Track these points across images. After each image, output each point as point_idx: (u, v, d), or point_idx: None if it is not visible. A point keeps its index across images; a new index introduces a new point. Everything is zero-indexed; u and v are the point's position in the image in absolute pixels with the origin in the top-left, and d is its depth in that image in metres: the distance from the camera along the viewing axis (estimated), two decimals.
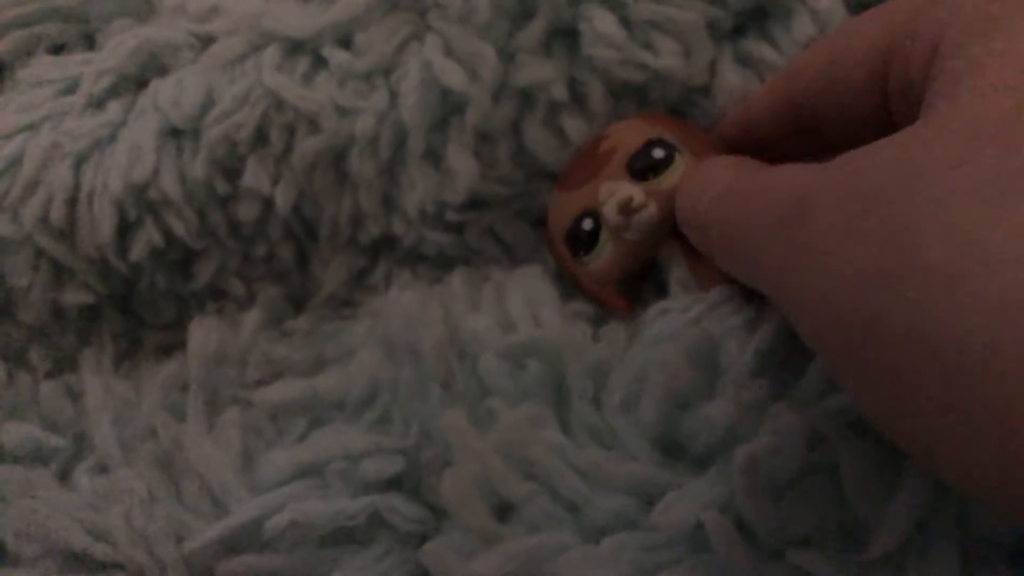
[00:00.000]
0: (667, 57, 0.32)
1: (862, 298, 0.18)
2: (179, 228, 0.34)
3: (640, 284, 0.32)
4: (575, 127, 0.33)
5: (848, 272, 0.19)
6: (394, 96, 0.33)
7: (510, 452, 0.25)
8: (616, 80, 0.32)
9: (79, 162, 0.34)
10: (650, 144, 0.31)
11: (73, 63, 0.37)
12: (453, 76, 0.32)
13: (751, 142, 0.30)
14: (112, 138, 0.35)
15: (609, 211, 0.30)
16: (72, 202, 0.34)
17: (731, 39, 0.33)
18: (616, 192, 0.30)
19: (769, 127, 0.29)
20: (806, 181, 0.22)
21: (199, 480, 0.28)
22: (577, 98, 0.33)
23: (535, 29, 0.32)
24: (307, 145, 0.33)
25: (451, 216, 0.34)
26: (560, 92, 0.32)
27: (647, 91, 0.33)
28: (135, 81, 0.36)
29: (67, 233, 0.34)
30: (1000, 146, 0.18)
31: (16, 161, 0.34)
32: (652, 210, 0.30)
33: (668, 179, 0.30)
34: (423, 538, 0.26)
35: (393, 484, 0.27)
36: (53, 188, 0.34)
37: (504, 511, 0.25)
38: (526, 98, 0.33)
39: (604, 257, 0.31)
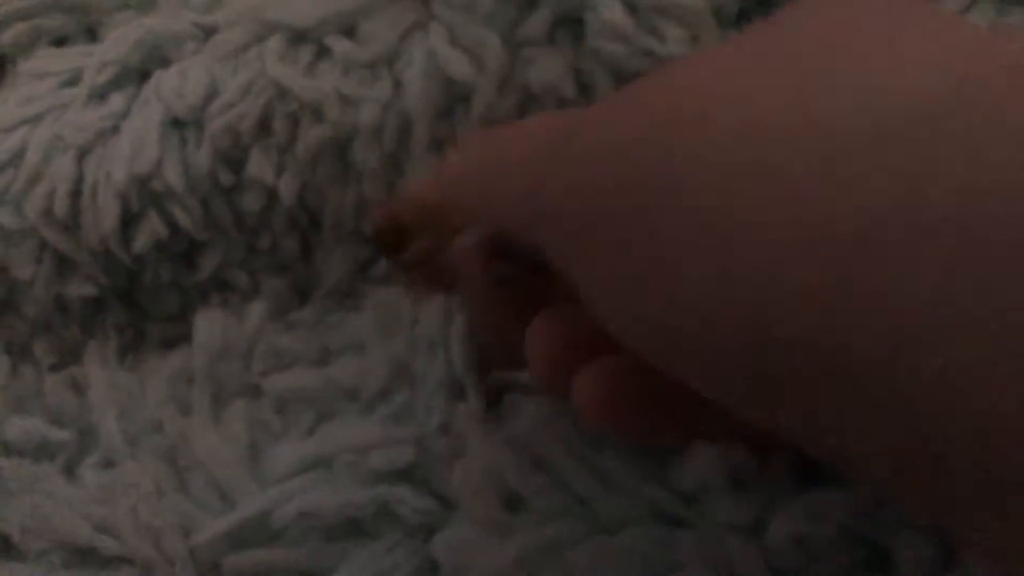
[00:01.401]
0: (673, 44, 0.31)
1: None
2: (183, 219, 0.34)
3: None
4: None
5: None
6: (398, 85, 0.33)
7: (523, 446, 0.25)
8: (623, 69, 0.32)
9: (82, 154, 0.34)
10: None
11: (75, 55, 0.37)
12: (458, 65, 0.32)
13: None
14: (115, 130, 0.34)
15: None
16: (75, 194, 0.34)
17: (737, 25, 0.33)
18: None
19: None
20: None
21: (206, 473, 0.28)
22: (583, 89, 0.32)
23: (540, 17, 0.32)
24: (311, 135, 0.33)
25: None
26: (569, 89, 0.32)
27: None
28: (138, 72, 0.36)
29: (70, 225, 0.34)
30: None
31: (19, 153, 0.34)
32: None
33: None
34: (432, 530, 0.26)
35: (403, 476, 0.27)
36: (56, 180, 0.34)
37: (513, 503, 0.25)
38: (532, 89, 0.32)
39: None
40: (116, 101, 0.35)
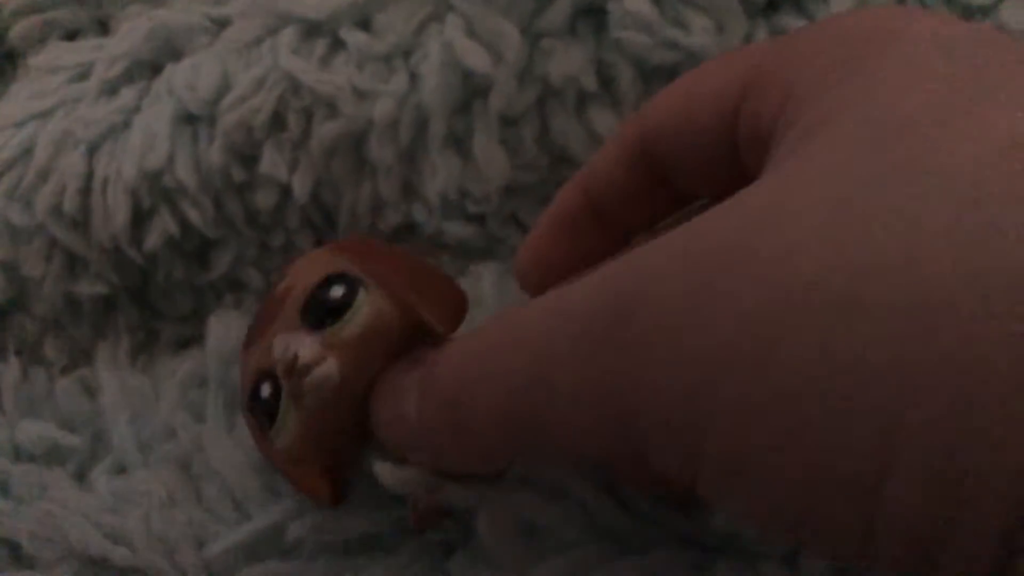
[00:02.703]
0: (699, 34, 0.30)
1: (715, 385, 0.16)
2: (195, 216, 0.33)
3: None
4: (603, 117, 0.31)
5: (701, 358, 0.16)
6: (414, 79, 0.32)
7: (538, 476, 0.24)
8: (646, 62, 0.31)
9: (92, 149, 0.33)
10: (328, 281, 0.24)
11: (86, 49, 0.36)
12: (476, 57, 0.31)
13: (591, 206, 0.26)
14: (126, 125, 0.34)
15: (280, 373, 0.24)
16: (85, 190, 0.33)
17: (765, 14, 0.32)
18: (287, 348, 0.24)
19: (616, 177, 0.25)
20: (614, 278, 0.18)
21: (220, 483, 0.27)
22: (605, 82, 0.31)
23: (560, 7, 0.31)
24: (325, 130, 0.32)
25: (473, 206, 0.33)
26: (590, 83, 0.31)
27: (678, 72, 0.31)
28: (149, 66, 0.35)
29: (80, 222, 0.33)
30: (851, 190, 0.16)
31: (28, 149, 0.34)
32: (330, 367, 0.23)
33: (351, 324, 0.23)
34: (450, 546, 0.25)
35: None
36: (66, 176, 0.33)
37: (531, 533, 0.24)
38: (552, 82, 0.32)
39: (289, 430, 0.24)
40: (127, 95, 0.34)
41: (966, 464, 0.14)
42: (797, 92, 0.19)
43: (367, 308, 0.24)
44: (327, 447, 0.24)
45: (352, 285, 0.24)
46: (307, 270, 0.25)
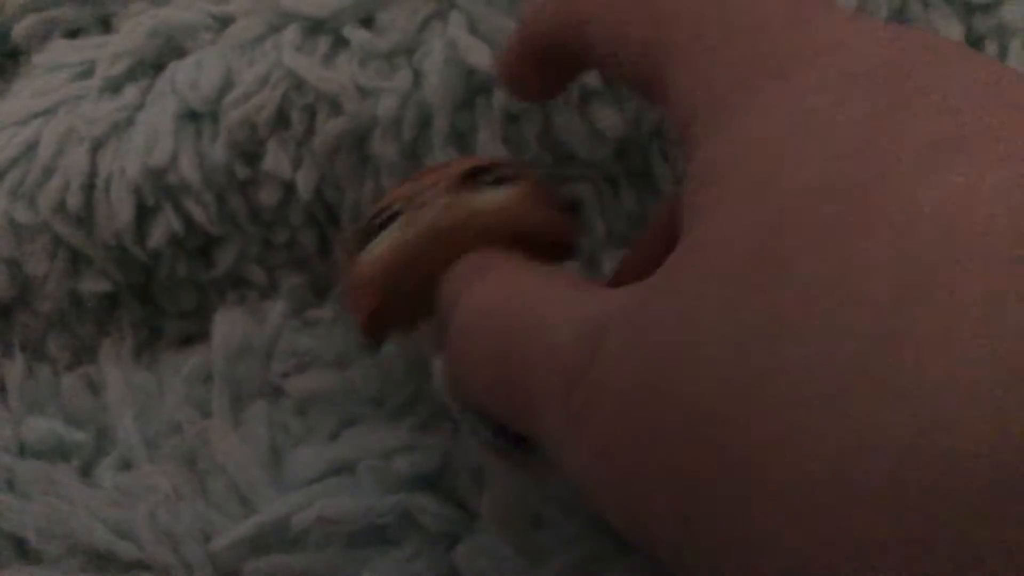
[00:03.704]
0: None
1: (666, 501, 0.16)
2: (198, 214, 0.33)
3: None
4: (606, 113, 0.32)
5: (648, 472, 0.16)
6: (418, 76, 0.32)
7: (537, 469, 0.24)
8: None
9: (96, 147, 0.33)
10: (495, 166, 0.26)
11: (89, 46, 0.36)
12: (479, 54, 0.32)
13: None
14: (129, 122, 0.34)
15: (406, 196, 0.25)
16: (89, 188, 0.33)
17: None
18: (424, 189, 0.25)
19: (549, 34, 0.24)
20: (580, 338, 0.18)
21: (226, 477, 0.27)
22: (607, 79, 0.31)
23: None
24: (329, 127, 0.33)
25: None
26: (592, 79, 0.31)
27: None
28: (152, 64, 0.35)
29: (84, 220, 0.33)
30: (752, 295, 0.15)
31: (32, 147, 0.34)
32: (443, 213, 0.24)
33: (490, 198, 0.25)
34: (455, 538, 0.25)
35: (426, 482, 0.26)
36: (69, 174, 0.33)
37: (539, 522, 0.25)
38: None
39: (379, 249, 0.25)
40: (130, 93, 0.34)
41: None
42: (698, 117, 0.18)
43: (508, 196, 0.25)
44: (397, 285, 0.25)
45: (511, 176, 0.25)
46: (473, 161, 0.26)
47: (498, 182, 0.25)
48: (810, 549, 0.13)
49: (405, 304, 0.25)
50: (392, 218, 0.25)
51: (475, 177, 0.25)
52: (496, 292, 0.22)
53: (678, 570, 0.17)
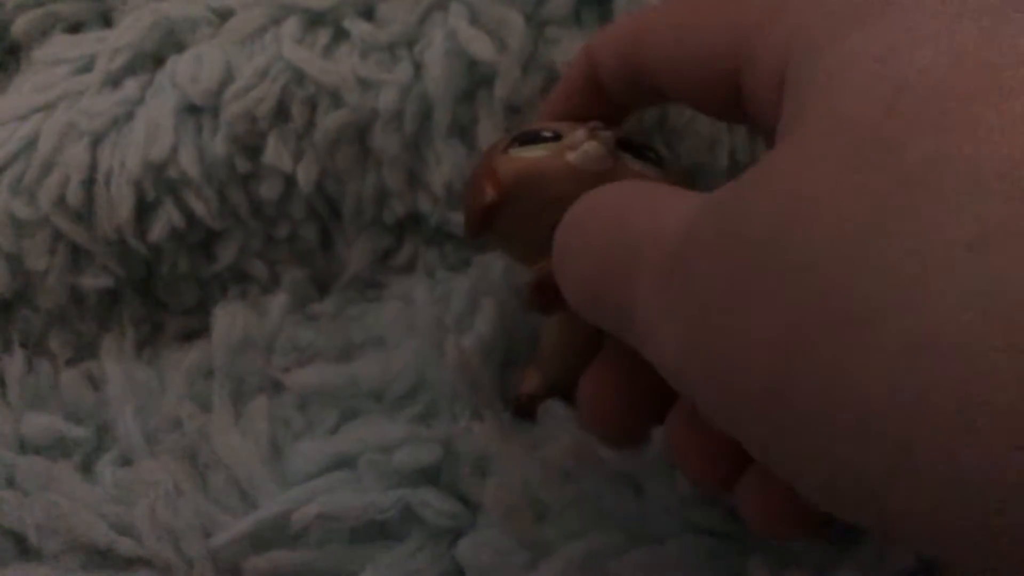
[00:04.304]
0: None
1: (761, 363, 0.16)
2: (199, 208, 0.33)
3: None
4: None
5: (740, 336, 0.16)
6: (418, 68, 0.32)
7: (551, 459, 0.24)
8: None
9: (96, 141, 0.33)
10: (647, 146, 0.27)
11: (89, 41, 0.36)
12: (480, 46, 0.31)
13: (595, 78, 0.27)
14: (129, 116, 0.33)
15: (579, 128, 0.26)
16: (89, 183, 0.33)
17: None
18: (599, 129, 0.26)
19: (614, 82, 0.26)
20: (687, 221, 0.19)
21: (226, 472, 0.27)
22: None
23: None
24: (329, 120, 0.32)
25: None
26: None
27: None
28: (152, 58, 0.35)
29: (84, 214, 0.33)
30: (873, 165, 0.15)
31: (32, 142, 0.33)
32: (607, 154, 0.25)
33: (640, 167, 0.26)
34: (458, 533, 0.25)
35: (427, 477, 0.26)
36: (69, 168, 0.33)
37: (543, 515, 0.24)
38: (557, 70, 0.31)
39: (531, 154, 0.26)
40: (130, 87, 0.34)
41: None
42: (799, 42, 0.19)
43: (657, 176, 0.26)
44: (529, 186, 0.25)
45: (661, 160, 0.27)
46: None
47: (642, 158, 0.26)
48: (916, 413, 0.14)
49: (517, 221, 0.26)
50: (550, 137, 0.26)
51: (631, 146, 0.26)
52: (606, 193, 0.22)
53: (762, 457, 0.17)
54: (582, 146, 0.25)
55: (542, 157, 0.25)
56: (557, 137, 0.26)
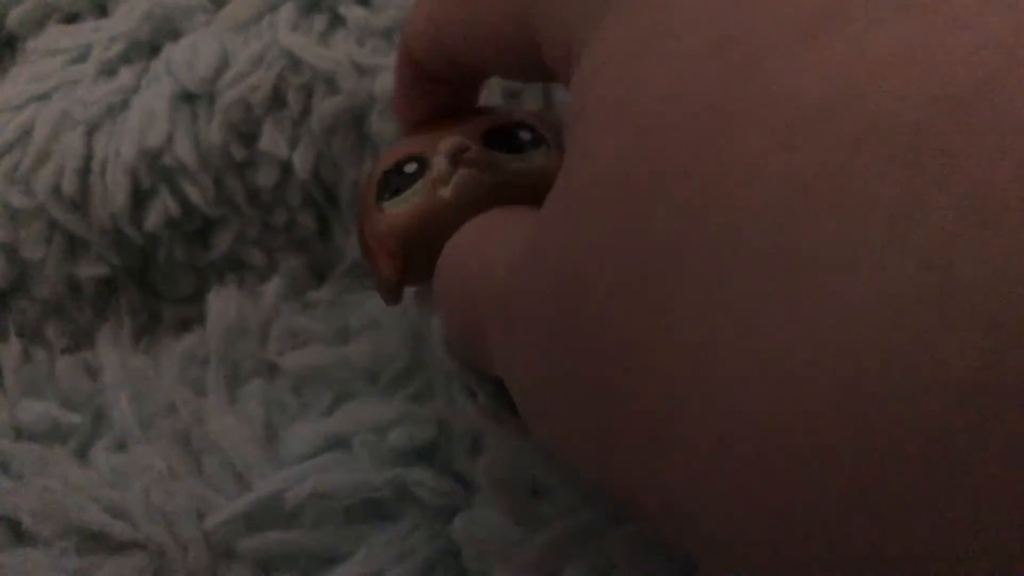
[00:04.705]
0: None
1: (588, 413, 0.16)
2: (195, 196, 0.33)
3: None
4: None
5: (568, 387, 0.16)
6: None
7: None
8: None
9: (91, 130, 0.33)
10: (519, 126, 0.25)
11: (84, 31, 0.36)
12: None
13: (419, 70, 0.26)
14: (124, 105, 0.33)
15: (440, 153, 0.24)
16: (85, 171, 0.33)
17: None
18: (462, 142, 0.24)
19: (436, 66, 0.25)
20: (511, 258, 0.18)
21: (221, 455, 0.27)
22: None
23: None
24: (325, 106, 0.32)
25: None
26: None
27: None
28: (147, 46, 0.35)
29: (80, 203, 0.33)
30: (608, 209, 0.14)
31: (27, 131, 0.33)
32: (483, 175, 0.24)
33: (521, 162, 0.24)
34: (454, 511, 0.25)
35: (423, 455, 0.26)
36: (65, 158, 0.33)
37: (539, 492, 0.24)
38: None
39: (407, 205, 0.24)
40: (125, 75, 0.34)
41: None
42: (575, 37, 0.17)
43: (543, 161, 0.24)
44: (420, 239, 0.24)
45: (539, 140, 0.25)
46: (504, 113, 0.26)
47: (519, 148, 0.25)
48: (736, 446, 0.13)
49: (426, 267, 0.24)
50: (414, 178, 0.24)
51: (501, 133, 0.25)
52: (460, 235, 0.22)
53: (605, 487, 0.17)
54: (452, 180, 0.23)
55: (417, 204, 0.24)
56: (423, 166, 0.24)
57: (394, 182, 0.25)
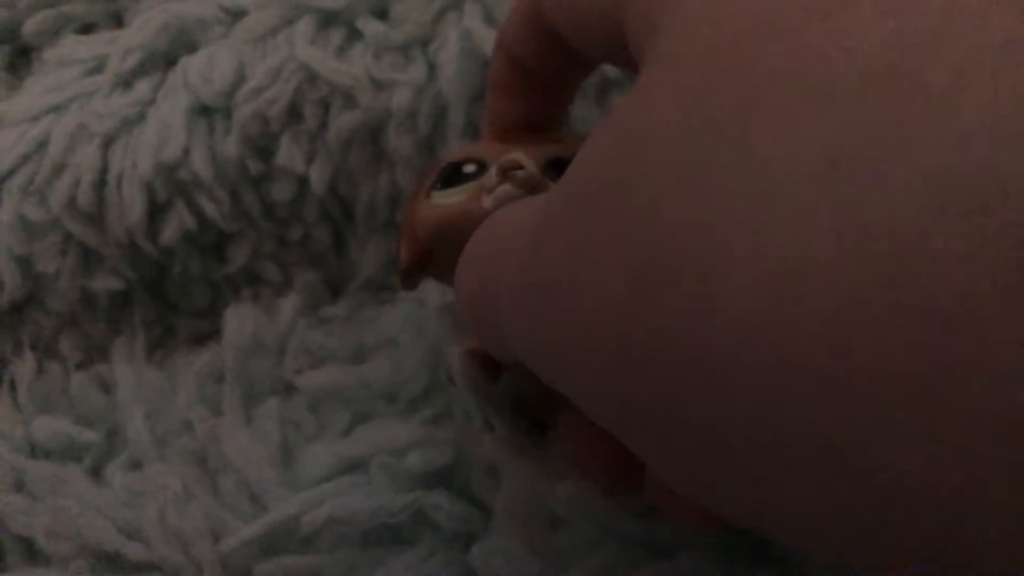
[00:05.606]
0: None
1: (607, 325, 0.15)
2: (211, 210, 0.33)
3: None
4: None
5: (587, 300, 0.15)
6: (432, 68, 0.32)
7: (559, 473, 0.23)
8: None
9: (107, 143, 0.33)
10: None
11: (100, 42, 0.36)
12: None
13: (518, 69, 0.26)
14: (141, 117, 0.33)
15: (496, 164, 0.24)
16: (100, 184, 0.33)
17: None
18: (520, 160, 0.24)
19: (531, 57, 0.25)
20: (544, 203, 0.18)
21: (236, 476, 0.27)
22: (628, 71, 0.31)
23: None
24: (342, 121, 0.32)
25: None
26: (611, 69, 0.30)
27: None
28: (164, 58, 0.35)
29: (96, 216, 0.33)
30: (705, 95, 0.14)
31: (43, 144, 0.33)
32: (517, 195, 0.24)
33: None
34: (471, 537, 0.24)
35: (440, 479, 0.25)
36: (81, 170, 0.33)
37: (556, 523, 0.24)
38: None
39: (450, 201, 0.25)
40: (142, 88, 0.34)
41: None
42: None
43: None
44: (448, 236, 0.24)
45: None
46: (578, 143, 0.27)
47: None
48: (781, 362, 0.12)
49: (447, 264, 0.24)
50: (471, 175, 0.25)
51: (560, 166, 0.24)
52: (494, 216, 0.22)
53: (630, 447, 0.16)
54: (495, 191, 0.24)
55: (460, 203, 0.24)
56: (481, 169, 0.25)
57: (451, 177, 0.25)
